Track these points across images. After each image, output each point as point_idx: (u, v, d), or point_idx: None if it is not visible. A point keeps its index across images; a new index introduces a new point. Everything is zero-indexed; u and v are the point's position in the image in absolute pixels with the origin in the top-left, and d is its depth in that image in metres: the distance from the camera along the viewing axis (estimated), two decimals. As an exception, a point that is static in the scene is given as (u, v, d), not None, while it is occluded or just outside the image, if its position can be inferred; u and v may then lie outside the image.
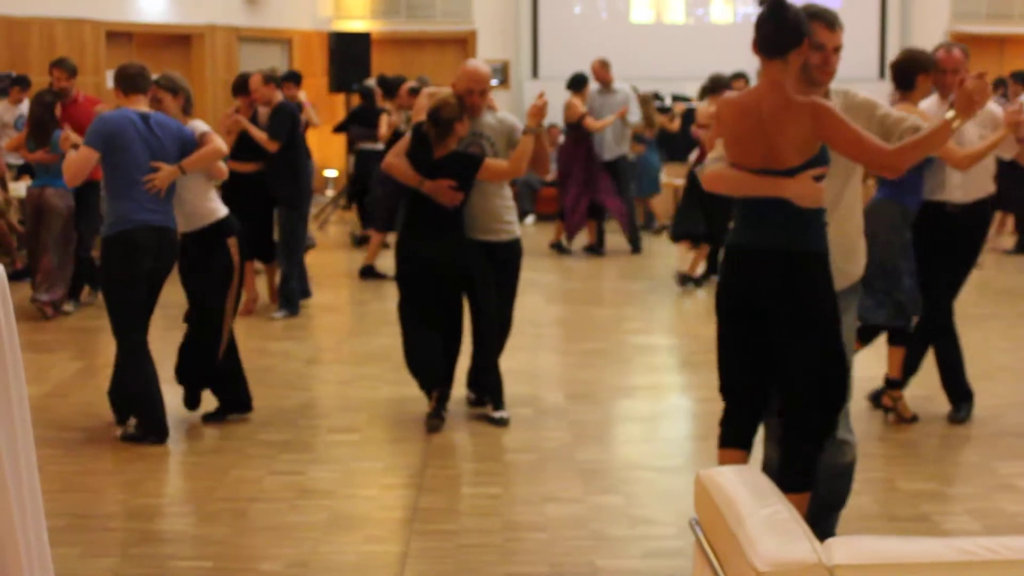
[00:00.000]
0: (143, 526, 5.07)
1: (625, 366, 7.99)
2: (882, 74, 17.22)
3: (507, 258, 6.46)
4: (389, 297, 10.63)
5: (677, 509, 5.10)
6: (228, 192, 8.12)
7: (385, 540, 4.91)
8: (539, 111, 6.16)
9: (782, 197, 4.19)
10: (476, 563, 4.66)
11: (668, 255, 12.65)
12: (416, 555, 4.75)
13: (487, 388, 6.53)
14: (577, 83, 12.54)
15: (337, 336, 9.09)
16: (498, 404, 6.49)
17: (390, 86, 12.04)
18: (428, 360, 6.37)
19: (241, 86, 9.52)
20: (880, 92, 14.04)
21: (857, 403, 6.81)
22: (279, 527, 5.02)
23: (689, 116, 13.46)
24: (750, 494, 3.06)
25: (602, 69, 12.87)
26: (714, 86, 10.66)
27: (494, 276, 6.38)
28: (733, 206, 4.42)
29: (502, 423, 6.40)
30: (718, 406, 4.51)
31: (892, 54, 17.25)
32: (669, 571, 4.56)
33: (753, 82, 5.87)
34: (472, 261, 6.31)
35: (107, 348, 8.52)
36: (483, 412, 6.55)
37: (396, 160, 6.33)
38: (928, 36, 16.90)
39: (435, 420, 6.34)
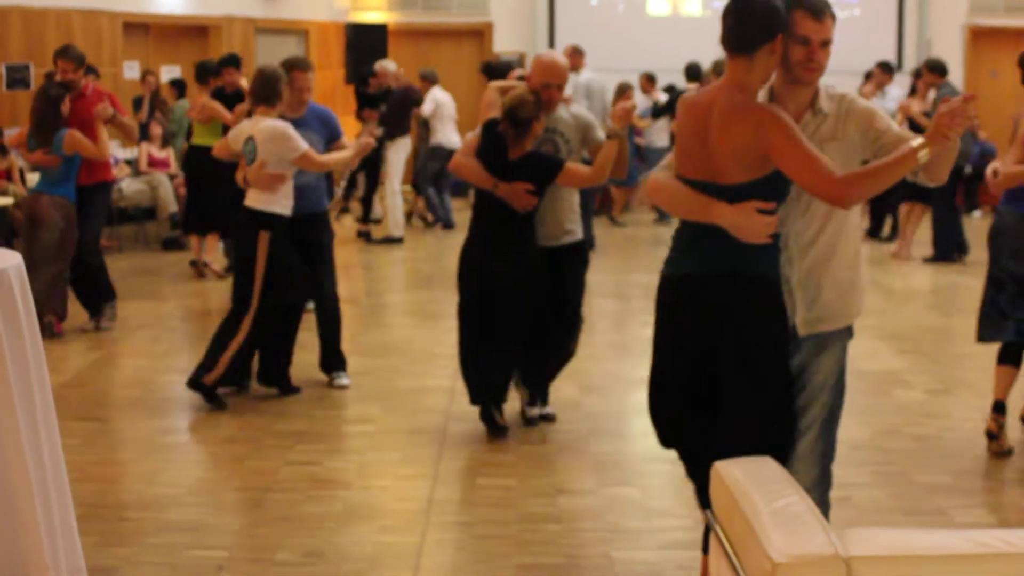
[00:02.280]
0: (159, 516, 5.09)
1: (640, 359, 7.96)
2: (899, 67, 17.16)
3: (570, 258, 6.08)
4: (403, 289, 10.65)
5: (692, 501, 5.06)
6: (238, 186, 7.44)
7: (400, 531, 4.92)
8: (627, 114, 5.67)
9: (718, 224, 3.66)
10: (491, 554, 4.67)
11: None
12: (431, 546, 4.76)
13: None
14: None
15: (353, 328, 9.08)
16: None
17: (496, 72, 11.23)
18: (482, 377, 6.16)
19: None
20: (897, 85, 14.00)
21: (869, 396, 6.81)
22: (294, 517, 5.04)
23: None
24: (766, 485, 3.06)
25: (574, 56, 12.17)
26: (690, 75, 9.89)
27: (555, 281, 6.06)
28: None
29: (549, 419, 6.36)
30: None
31: (909, 47, 17.25)
32: (684, 563, 4.57)
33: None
34: (537, 273, 5.97)
35: (124, 339, 8.56)
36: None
37: (466, 160, 5.92)
38: (946, 29, 16.87)
39: (493, 432, 6.18)
